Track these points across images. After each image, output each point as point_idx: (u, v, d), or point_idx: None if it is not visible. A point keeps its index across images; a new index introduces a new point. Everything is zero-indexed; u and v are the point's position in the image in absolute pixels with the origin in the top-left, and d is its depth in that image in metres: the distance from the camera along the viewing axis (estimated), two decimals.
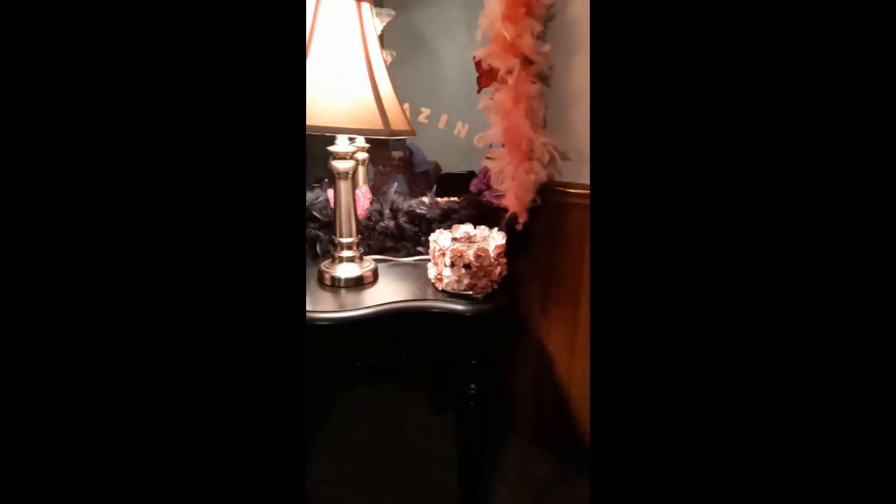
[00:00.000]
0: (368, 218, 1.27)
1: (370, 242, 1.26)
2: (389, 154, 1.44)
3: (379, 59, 0.95)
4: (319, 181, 1.35)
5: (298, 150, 0.53)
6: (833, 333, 0.46)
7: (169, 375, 0.49)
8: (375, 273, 1.10)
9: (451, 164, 1.46)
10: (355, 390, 1.84)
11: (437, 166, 1.47)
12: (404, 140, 1.44)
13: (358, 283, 1.06)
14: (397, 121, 0.93)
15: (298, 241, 0.55)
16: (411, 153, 1.46)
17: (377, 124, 0.90)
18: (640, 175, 0.50)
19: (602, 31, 0.51)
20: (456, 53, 1.38)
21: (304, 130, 0.48)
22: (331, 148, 1.01)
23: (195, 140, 0.48)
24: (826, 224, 0.46)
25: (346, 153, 1.01)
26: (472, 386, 1.10)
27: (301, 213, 0.55)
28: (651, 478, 0.50)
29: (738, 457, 0.48)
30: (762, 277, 0.47)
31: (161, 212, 0.48)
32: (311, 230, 1.22)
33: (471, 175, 1.35)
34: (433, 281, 1.06)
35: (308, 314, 0.94)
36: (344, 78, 0.90)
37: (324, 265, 1.08)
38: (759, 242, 0.47)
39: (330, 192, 1.26)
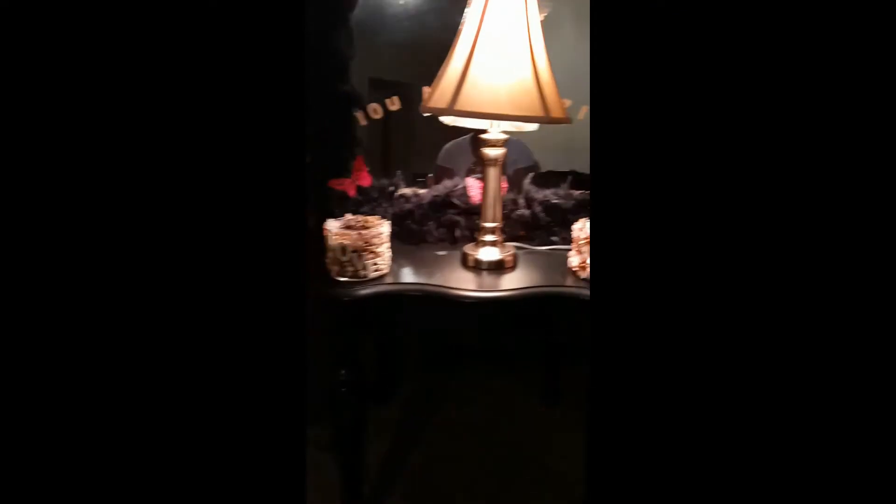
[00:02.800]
0: (503, 206, 1.30)
1: (504, 230, 1.29)
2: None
3: (541, 46, 0.97)
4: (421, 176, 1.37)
5: (298, 148, 0.53)
6: (830, 328, 0.45)
7: (166, 370, 0.49)
8: (515, 258, 1.13)
9: (552, 163, 1.44)
10: (469, 374, 1.88)
11: (536, 164, 1.45)
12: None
13: (499, 267, 1.10)
14: (555, 108, 0.95)
15: (298, 238, 0.55)
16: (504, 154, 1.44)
17: (536, 110, 0.93)
18: (642, 174, 0.50)
19: (602, 29, 0.51)
20: None
21: (304, 130, 0.48)
22: (484, 136, 1.05)
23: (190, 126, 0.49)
24: (825, 219, 0.45)
25: (498, 140, 1.04)
26: None
27: (301, 213, 0.55)
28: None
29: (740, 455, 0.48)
30: (764, 277, 0.47)
31: (159, 206, 0.48)
32: (451, 216, 1.27)
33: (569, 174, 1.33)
34: (575, 269, 1.07)
35: (450, 291, 0.98)
36: (507, 63, 0.93)
37: (467, 248, 1.13)
38: (760, 244, 0.47)
39: (468, 181, 1.30)
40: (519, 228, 1.29)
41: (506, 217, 1.29)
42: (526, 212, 1.28)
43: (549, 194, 1.29)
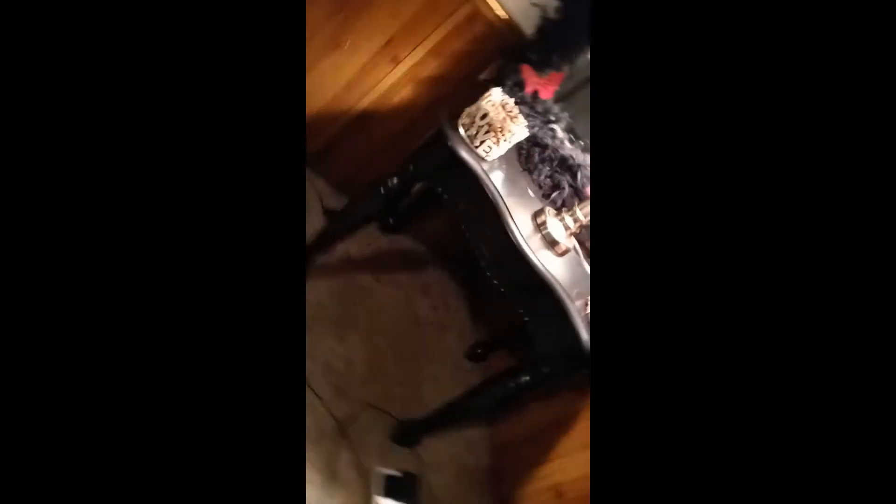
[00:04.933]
0: None
1: None
2: None
3: None
4: None
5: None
6: (831, 331, 0.45)
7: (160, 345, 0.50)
8: None
9: None
10: None
11: None
12: None
13: None
14: None
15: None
16: None
17: None
18: (643, 175, 0.50)
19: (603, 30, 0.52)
20: None
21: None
22: None
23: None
24: (825, 219, 0.45)
25: None
26: None
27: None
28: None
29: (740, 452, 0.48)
30: (764, 277, 0.47)
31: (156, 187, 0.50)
32: None
33: None
34: None
35: None
36: None
37: None
38: (761, 243, 0.47)
39: None
40: None
41: None
42: None
43: None
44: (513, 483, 1.57)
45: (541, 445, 1.56)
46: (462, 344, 1.87)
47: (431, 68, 1.46)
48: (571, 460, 1.50)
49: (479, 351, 1.84)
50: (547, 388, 1.53)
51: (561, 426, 1.54)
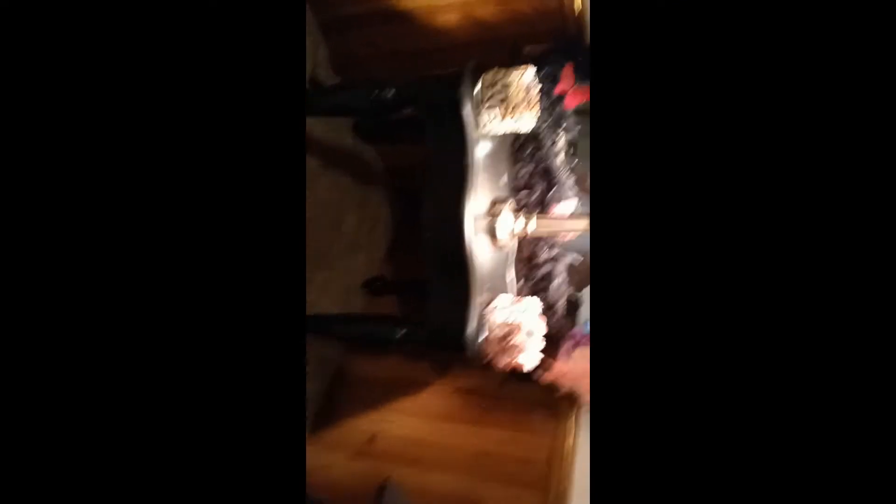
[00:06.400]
0: None
1: None
2: None
3: None
4: None
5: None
6: (832, 333, 0.45)
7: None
8: None
9: None
10: None
11: None
12: None
13: None
14: None
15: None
16: None
17: None
18: (644, 176, 0.50)
19: (603, 30, 0.53)
20: None
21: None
22: None
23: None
24: (825, 222, 0.45)
25: None
26: None
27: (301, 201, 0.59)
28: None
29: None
30: (764, 278, 0.47)
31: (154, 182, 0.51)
32: None
33: None
34: None
35: None
36: None
37: None
38: (761, 246, 0.47)
39: None
40: None
41: None
42: None
43: None
44: (339, 395, 1.62)
45: (380, 394, 1.61)
46: (366, 271, 1.86)
47: (487, 12, 1.40)
48: (398, 419, 1.56)
49: (376, 285, 1.84)
50: (413, 351, 1.57)
51: (405, 387, 1.60)
